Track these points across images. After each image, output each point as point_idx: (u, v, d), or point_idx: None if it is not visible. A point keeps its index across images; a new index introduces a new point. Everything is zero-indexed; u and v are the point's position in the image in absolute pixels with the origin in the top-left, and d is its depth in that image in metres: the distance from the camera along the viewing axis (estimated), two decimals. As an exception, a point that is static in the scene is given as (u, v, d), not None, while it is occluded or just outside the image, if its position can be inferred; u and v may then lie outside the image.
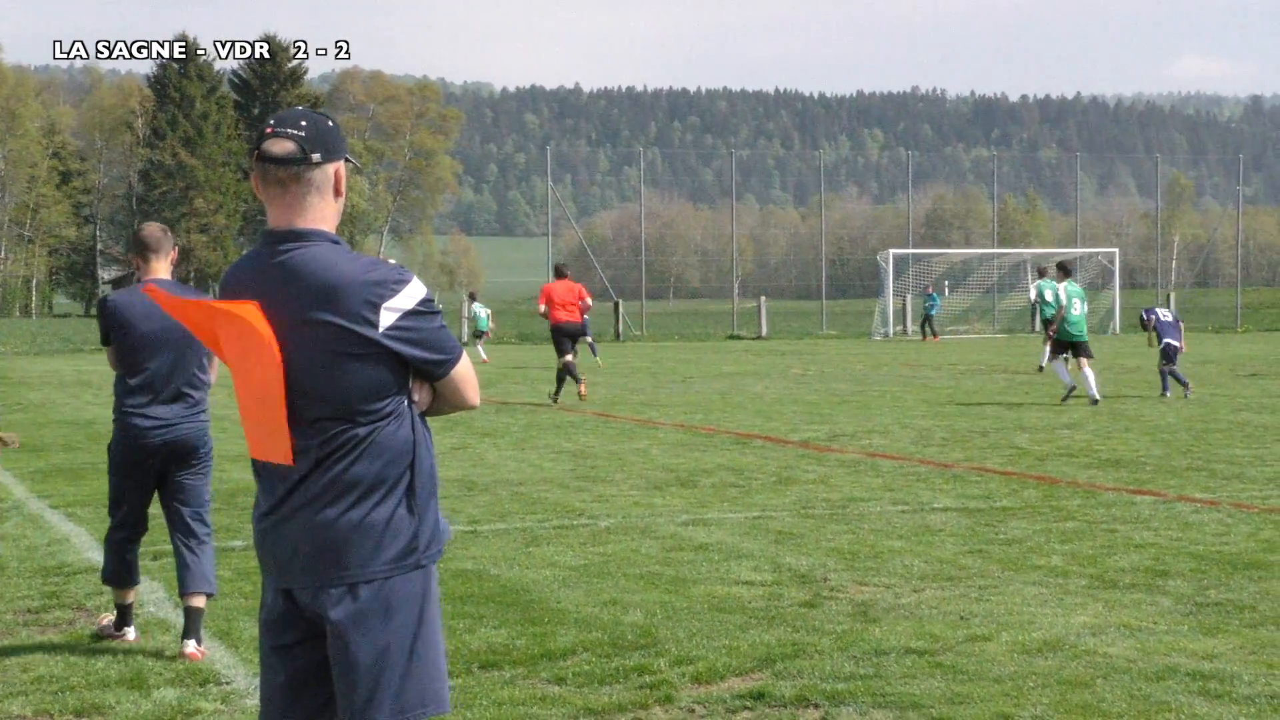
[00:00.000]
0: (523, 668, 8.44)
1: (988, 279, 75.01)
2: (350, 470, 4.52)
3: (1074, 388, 26.80)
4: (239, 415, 4.60)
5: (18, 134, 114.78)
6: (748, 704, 7.74)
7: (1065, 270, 27.82)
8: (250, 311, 4.50)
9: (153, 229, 9.34)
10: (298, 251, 4.55)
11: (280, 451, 4.55)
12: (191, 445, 9.27)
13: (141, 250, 9.24)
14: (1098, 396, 26.09)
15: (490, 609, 9.92)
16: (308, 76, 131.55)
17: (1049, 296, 27.71)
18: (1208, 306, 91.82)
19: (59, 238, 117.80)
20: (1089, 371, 26.34)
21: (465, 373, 4.71)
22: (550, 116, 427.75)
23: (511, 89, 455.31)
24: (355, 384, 4.51)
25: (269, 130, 4.61)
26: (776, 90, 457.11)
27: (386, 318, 4.50)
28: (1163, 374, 28.15)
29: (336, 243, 4.60)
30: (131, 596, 9.37)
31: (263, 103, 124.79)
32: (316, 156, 4.59)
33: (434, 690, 4.65)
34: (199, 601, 9.09)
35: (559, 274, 30.32)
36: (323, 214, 4.63)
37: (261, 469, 4.65)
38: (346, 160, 4.71)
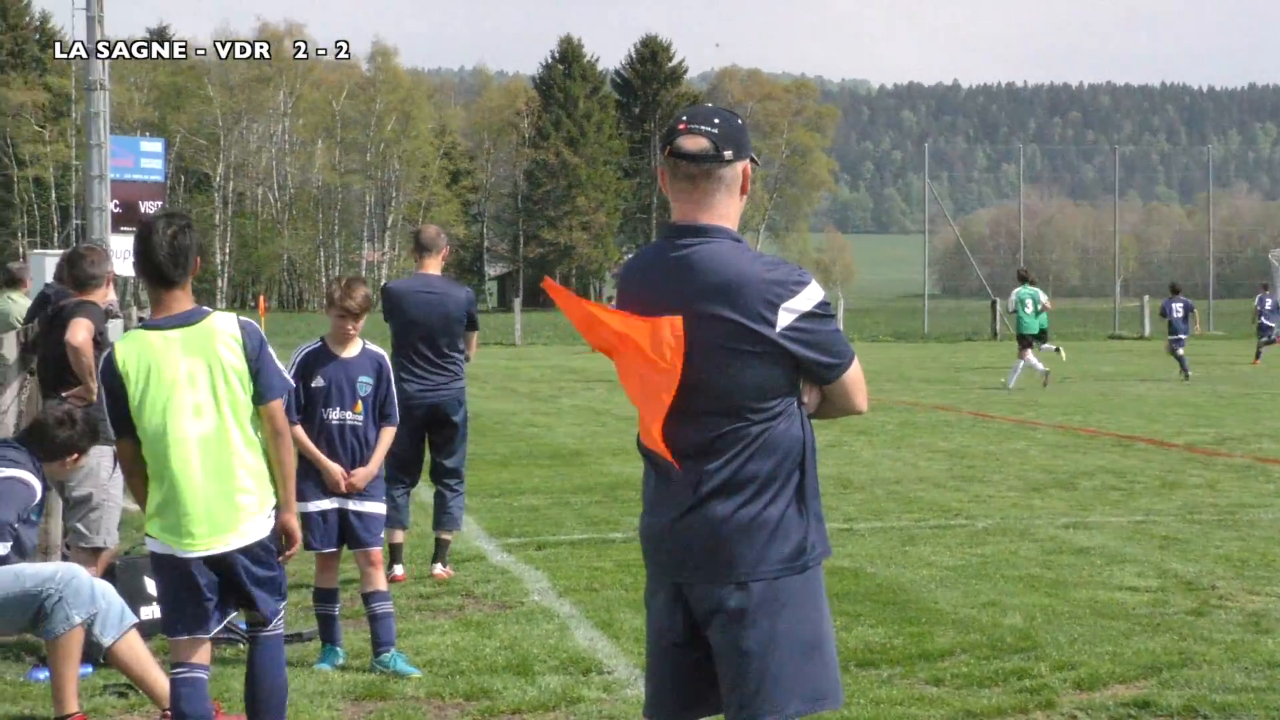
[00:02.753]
0: (900, 667, 8.39)
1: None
2: (743, 468, 4.54)
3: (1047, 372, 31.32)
4: (630, 406, 4.64)
5: (411, 135, 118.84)
6: (1132, 712, 7.53)
7: (1023, 276, 33.13)
8: (665, 328, 4.52)
9: (430, 230, 11.31)
10: (700, 247, 4.57)
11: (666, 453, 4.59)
12: (448, 407, 11.17)
13: (419, 249, 11.19)
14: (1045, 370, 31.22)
15: (867, 607, 9.88)
16: (687, 75, 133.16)
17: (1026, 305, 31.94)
18: None
19: (449, 235, 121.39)
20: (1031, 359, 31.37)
21: (856, 377, 4.68)
22: (928, 113, 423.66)
23: (889, 86, 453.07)
24: (748, 381, 4.52)
25: (682, 126, 4.61)
26: (1162, 83, 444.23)
27: (784, 318, 4.50)
28: None
29: (738, 240, 4.61)
30: (400, 537, 11.21)
31: (643, 102, 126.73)
32: (729, 154, 4.60)
33: (821, 687, 4.64)
34: (448, 536, 11.36)
35: None
36: (727, 211, 4.64)
37: (654, 461, 4.68)
38: (752, 160, 4.71)
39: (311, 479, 8.68)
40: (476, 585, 10.84)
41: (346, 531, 8.81)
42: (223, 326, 6.33)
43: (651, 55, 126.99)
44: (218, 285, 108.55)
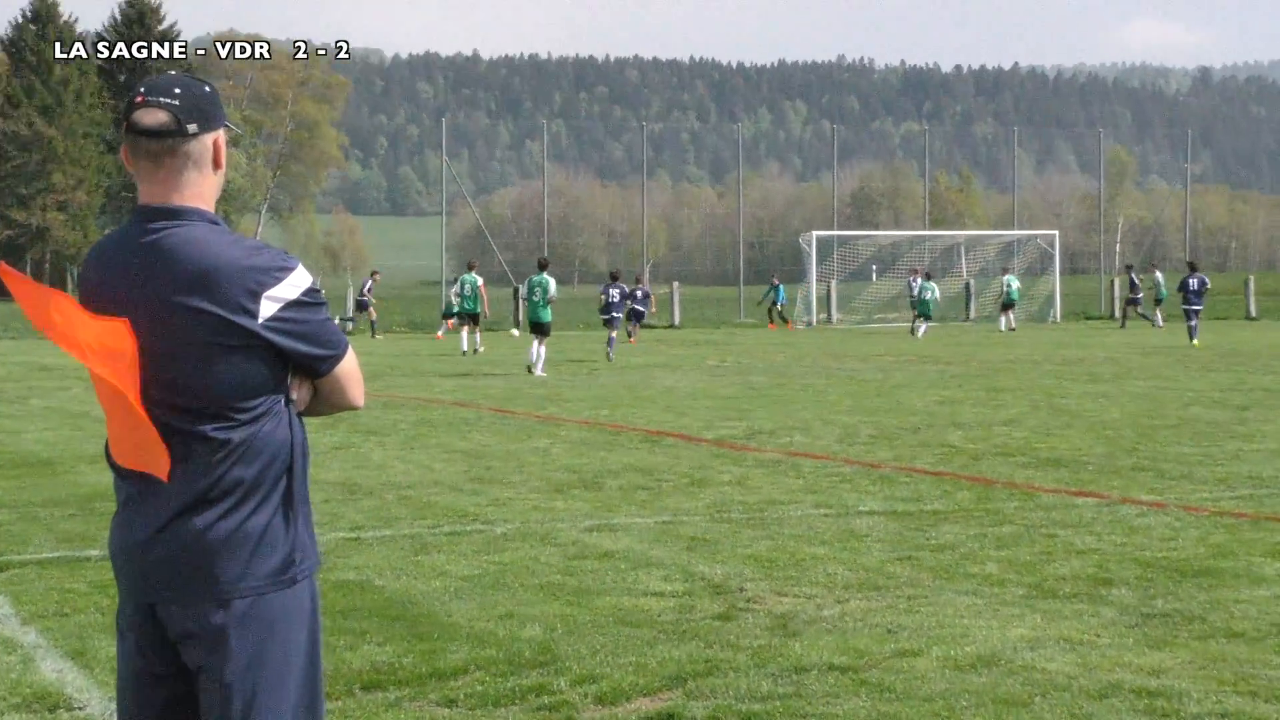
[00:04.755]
0: (410, 688, 8.35)
1: (918, 263, 75.42)
2: (225, 475, 4.43)
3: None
4: (102, 413, 4.47)
5: None
6: (656, 727, 7.68)
7: (541, 264, 37.27)
8: (116, 328, 4.37)
9: None
10: (172, 231, 4.44)
11: (156, 464, 4.43)
12: None
13: None
14: (541, 373, 34.21)
15: (374, 624, 9.82)
16: (181, 39, 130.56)
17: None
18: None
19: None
20: (541, 349, 34.95)
21: (350, 369, 4.64)
22: (446, 86, 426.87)
23: (404, 56, 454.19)
24: (229, 379, 4.42)
25: (139, 99, 4.48)
26: (691, 59, 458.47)
27: (267, 308, 4.41)
28: None
29: (215, 223, 4.50)
30: None
31: (130, 69, 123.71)
32: (193, 127, 4.48)
33: (309, 715, 4.58)
34: None
35: None
36: (200, 190, 4.53)
37: (123, 472, 4.53)
38: (226, 128, 4.60)
39: None
40: (-73, 614, 10.34)
41: None
42: None
43: (139, 17, 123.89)
44: None
